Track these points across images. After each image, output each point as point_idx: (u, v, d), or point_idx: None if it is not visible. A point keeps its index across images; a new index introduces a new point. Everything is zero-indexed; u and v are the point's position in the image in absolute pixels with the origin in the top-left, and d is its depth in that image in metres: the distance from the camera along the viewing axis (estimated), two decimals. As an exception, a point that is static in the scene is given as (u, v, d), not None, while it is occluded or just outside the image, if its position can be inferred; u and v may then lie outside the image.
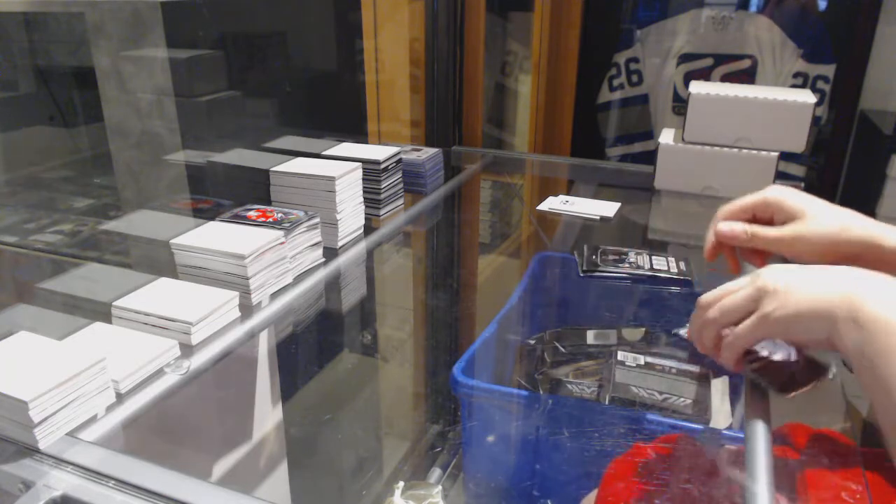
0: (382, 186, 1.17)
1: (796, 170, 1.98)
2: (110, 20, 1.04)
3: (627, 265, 1.14)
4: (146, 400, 0.69)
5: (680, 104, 2.07)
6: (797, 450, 0.69)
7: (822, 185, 1.99)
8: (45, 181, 1.36)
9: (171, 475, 0.59)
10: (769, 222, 0.69)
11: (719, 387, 0.99)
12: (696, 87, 1.30)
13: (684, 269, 1.13)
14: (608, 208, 1.34)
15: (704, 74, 2.05)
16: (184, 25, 1.12)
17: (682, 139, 1.32)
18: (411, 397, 1.53)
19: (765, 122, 1.26)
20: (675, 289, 1.11)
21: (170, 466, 0.59)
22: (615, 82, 2.16)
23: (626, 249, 1.19)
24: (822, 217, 0.65)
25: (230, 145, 1.18)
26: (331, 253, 1.03)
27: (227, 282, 0.86)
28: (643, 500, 0.66)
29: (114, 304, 0.80)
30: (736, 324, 0.59)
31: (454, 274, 1.47)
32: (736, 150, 1.28)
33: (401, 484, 0.80)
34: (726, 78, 2.03)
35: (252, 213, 0.97)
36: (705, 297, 0.62)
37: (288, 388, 1.11)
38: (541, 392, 1.07)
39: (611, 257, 1.16)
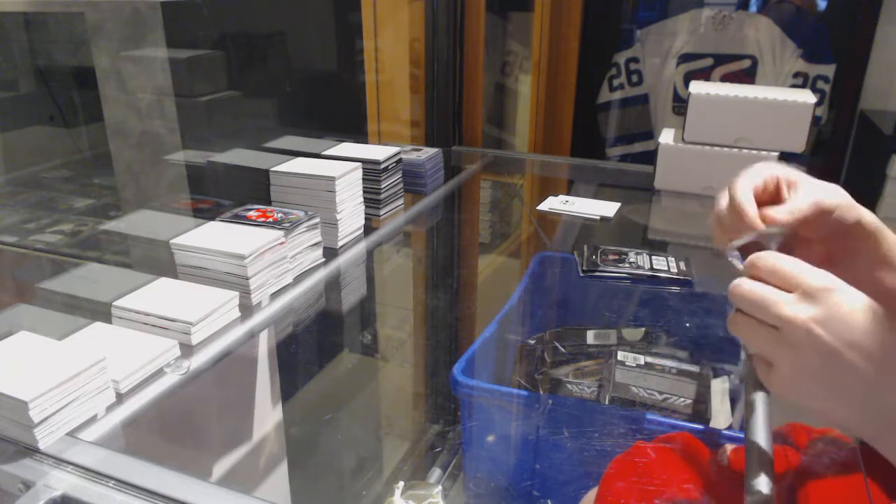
0: (382, 186, 1.17)
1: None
2: (110, 20, 1.04)
3: (627, 265, 1.14)
4: (146, 400, 0.69)
5: (680, 104, 2.07)
6: (797, 450, 0.69)
7: (822, 185, 1.98)
8: (45, 181, 1.36)
9: (171, 475, 0.59)
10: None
11: (719, 387, 0.99)
12: (696, 87, 1.30)
13: (684, 269, 1.13)
14: (608, 208, 1.34)
15: (704, 74, 2.05)
16: (184, 25, 1.12)
17: (682, 139, 1.32)
18: (411, 397, 1.53)
19: (765, 122, 1.26)
20: (675, 289, 1.11)
21: (170, 466, 0.59)
22: (615, 82, 2.16)
23: (626, 249, 1.19)
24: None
25: (230, 145, 1.18)
26: (331, 253, 1.03)
27: (227, 282, 0.86)
28: (643, 500, 0.66)
29: (114, 304, 0.80)
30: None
31: (454, 274, 1.47)
32: (736, 150, 1.28)
33: (401, 484, 0.80)
34: (726, 78, 2.03)
35: (252, 213, 0.97)
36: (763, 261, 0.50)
37: (288, 388, 1.11)
38: (541, 392, 1.07)
39: (611, 257, 1.16)
